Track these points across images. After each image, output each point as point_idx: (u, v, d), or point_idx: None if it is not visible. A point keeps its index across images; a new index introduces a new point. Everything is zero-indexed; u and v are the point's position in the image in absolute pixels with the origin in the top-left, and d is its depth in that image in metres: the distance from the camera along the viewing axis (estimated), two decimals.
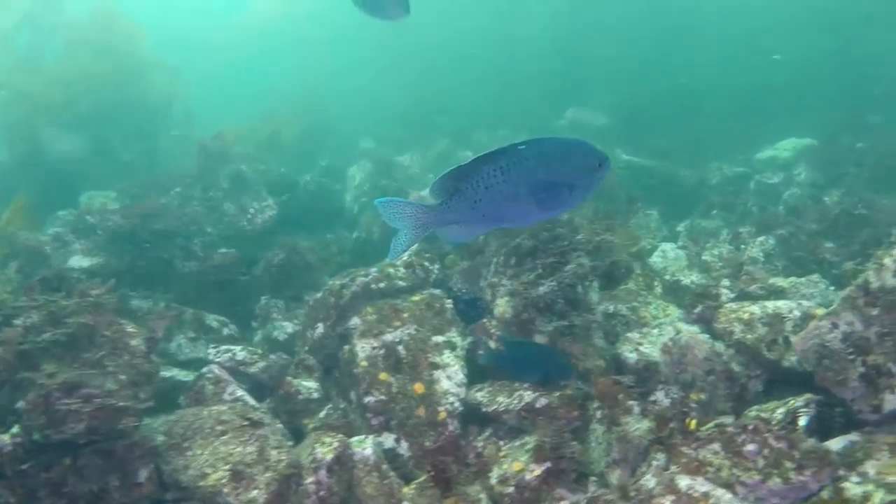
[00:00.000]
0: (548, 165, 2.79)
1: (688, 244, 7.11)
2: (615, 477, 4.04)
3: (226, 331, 6.57)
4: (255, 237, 7.65)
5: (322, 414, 5.09)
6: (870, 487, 3.27)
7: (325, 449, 4.23)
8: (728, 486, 3.40)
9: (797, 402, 4.03)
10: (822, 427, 3.98)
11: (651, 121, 11.50)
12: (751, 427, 3.56)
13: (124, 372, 4.23)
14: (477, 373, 5.16)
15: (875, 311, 3.70)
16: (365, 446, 4.37)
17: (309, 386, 5.25)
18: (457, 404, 4.82)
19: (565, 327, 4.60)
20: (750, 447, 3.47)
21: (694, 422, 3.80)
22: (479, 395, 4.89)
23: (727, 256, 6.63)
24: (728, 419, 3.83)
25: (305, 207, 8.66)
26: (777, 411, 4.04)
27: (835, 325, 3.87)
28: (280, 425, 4.81)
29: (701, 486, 3.42)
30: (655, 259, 7.21)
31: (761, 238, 6.65)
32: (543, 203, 2.85)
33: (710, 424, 3.75)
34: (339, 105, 13.62)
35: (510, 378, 4.84)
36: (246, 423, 4.36)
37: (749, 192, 9.54)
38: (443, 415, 4.75)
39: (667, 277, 6.51)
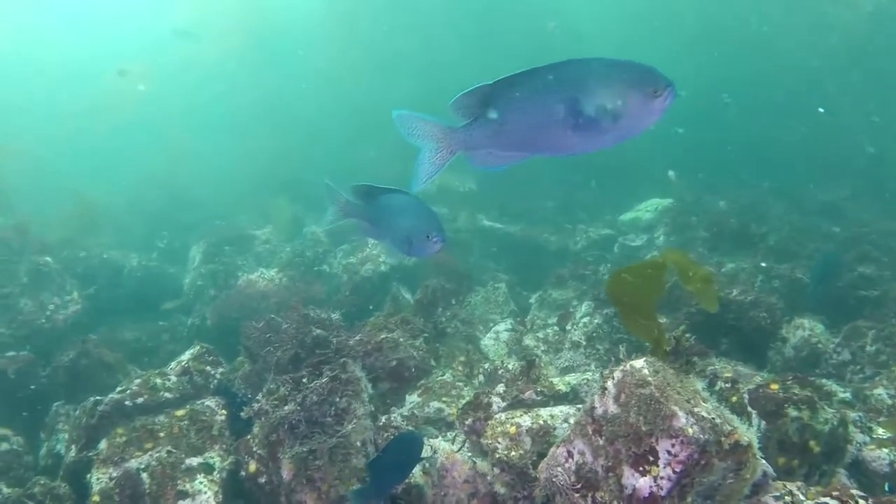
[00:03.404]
0: (585, 87, 2.39)
1: (516, 325, 6.69)
2: None
3: (5, 446, 5.93)
4: (60, 335, 7.02)
5: None
6: None
7: None
8: None
9: None
10: None
11: (519, 183, 11.22)
12: None
13: None
14: (238, 495, 4.64)
15: (601, 441, 3.28)
16: None
17: None
18: None
19: (307, 453, 4.08)
20: None
21: None
22: None
23: (551, 339, 6.22)
24: None
25: (133, 294, 8.07)
26: None
27: (570, 454, 3.44)
28: None
29: None
30: (487, 341, 6.78)
31: (585, 318, 6.26)
32: (579, 131, 2.43)
33: None
34: (207, 175, 13.11)
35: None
36: None
37: (613, 255, 9.25)
38: None
39: (486, 365, 6.06)
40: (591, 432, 3.33)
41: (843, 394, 5.19)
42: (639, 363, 3.23)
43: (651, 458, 3.05)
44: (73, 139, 15.99)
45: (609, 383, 3.28)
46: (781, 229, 8.49)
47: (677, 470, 2.99)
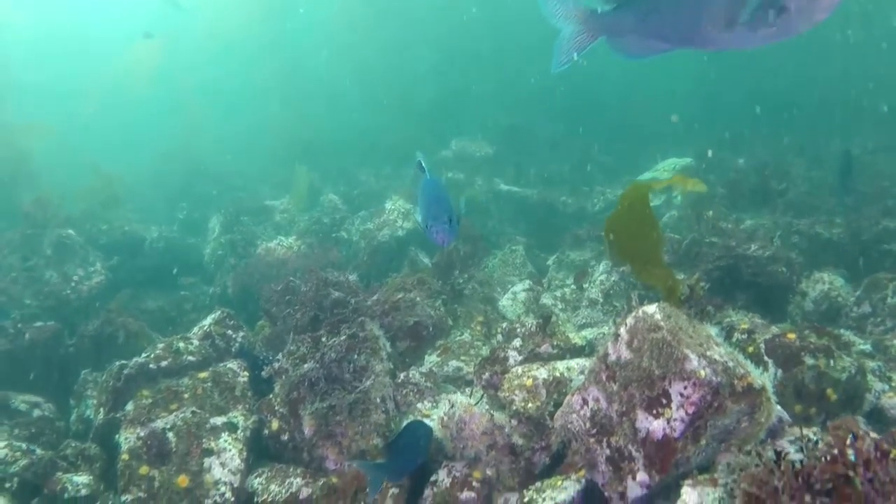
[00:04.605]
0: None
1: (534, 285, 6.71)
2: None
3: (37, 412, 6.07)
4: (84, 305, 7.15)
5: None
6: None
7: None
8: None
9: (568, 480, 3.63)
10: None
11: (536, 148, 11.17)
12: None
13: None
14: (263, 453, 4.73)
15: (615, 387, 3.31)
16: None
17: (79, 482, 4.75)
18: (228, 495, 4.35)
19: (327, 409, 4.15)
20: None
21: None
22: (257, 482, 4.45)
23: (569, 298, 6.24)
24: None
25: (155, 265, 8.18)
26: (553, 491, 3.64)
27: (584, 401, 3.48)
28: None
29: None
30: (505, 302, 6.81)
31: (603, 276, 6.26)
32: (736, 25, 2.18)
33: None
34: (226, 147, 13.18)
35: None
36: None
37: None
38: None
39: (503, 325, 6.09)
40: (604, 379, 3.37)
41: (863, 345, 5.16)
42: (651, 308, 3.25)
43: (664, 401, 3.08)
44: (94, 115, 16.13)
45: (622, 329, 3.31)
46: (801, 185, 8.40)
47: (690, 412, 3.02)
